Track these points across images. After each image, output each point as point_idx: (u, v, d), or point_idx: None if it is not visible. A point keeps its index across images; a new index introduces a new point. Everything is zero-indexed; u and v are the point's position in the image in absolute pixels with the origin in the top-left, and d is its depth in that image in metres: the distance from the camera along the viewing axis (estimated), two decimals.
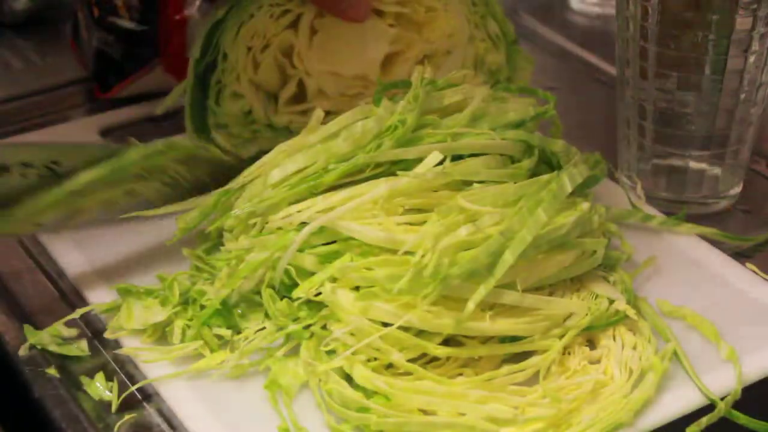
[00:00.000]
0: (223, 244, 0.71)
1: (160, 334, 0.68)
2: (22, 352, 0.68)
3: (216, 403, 0.63)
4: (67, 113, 0.96)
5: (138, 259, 0.75)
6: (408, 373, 0.62)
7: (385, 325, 0.61)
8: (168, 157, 0.70)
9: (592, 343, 0.66)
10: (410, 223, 0.65)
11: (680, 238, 0.76)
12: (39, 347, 0.68)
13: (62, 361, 0.67)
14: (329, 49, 0.81)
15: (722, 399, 0.63)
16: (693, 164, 0.80)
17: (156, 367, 0.65)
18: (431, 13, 0.83)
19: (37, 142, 0.75)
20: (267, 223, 0.68)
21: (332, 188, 0.69)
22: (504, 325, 0.63)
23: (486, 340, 0.64)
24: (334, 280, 0.64)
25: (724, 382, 0.64)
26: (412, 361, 0.62)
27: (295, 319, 0.65)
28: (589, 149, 0.78)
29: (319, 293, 0.64)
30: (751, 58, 0.75)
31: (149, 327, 0.67)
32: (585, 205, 0.68)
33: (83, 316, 0.69)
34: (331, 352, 0.63)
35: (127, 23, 0.92)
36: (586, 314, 0.65)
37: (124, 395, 0.64)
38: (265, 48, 0.79)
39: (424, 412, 0.60)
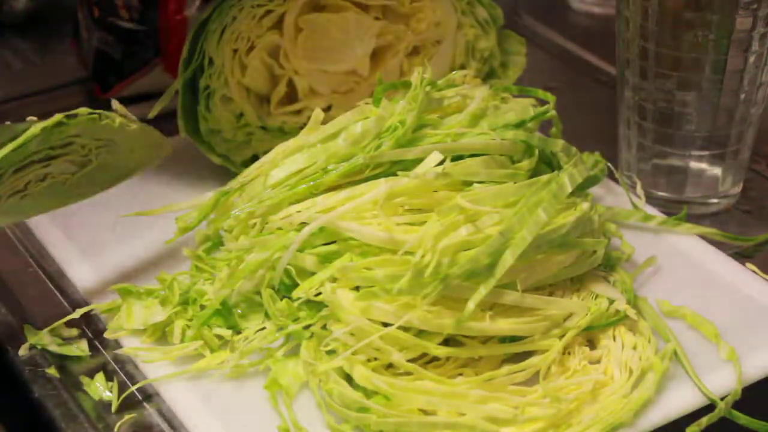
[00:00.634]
0: (223, 244, 0.72)
1: (160, 334, 0.68)
2: (22, 352, 0.68)
3: (216, 403, 0.63)
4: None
5: (138, 259, 0.75)
6: (408, 373, 0.62)
7: (385, 325, 0.61)
8: (71, 129, 0.67)
9: (592, 343, 0.66)
10: (410, 223, 0.65)
11: (680, 238, 0.76)
12: (39, 347, 0.68)
13: (62, 361, 0.67)
14: (316, 46, 0.81)
15: (722, 399, 0.63)
16: (693, 164, 0.80)
17: (156, 367, 0.65)
18: (417, 3, 0.82)
19: None
20: (267, 223, 0.68)
21: (332, 188, 0.68)
22: (504, 325, 0.63)
23: (486, 340, 0.64)
24: (334, 280, 0.64)
25: (724, 382, 0.64)
26: (411, 361, 0.62)
27: (295, 319, 0.65)
28: (589, 149, 0.78)
29: (319, 293, 0.64)
30: (751, 58, 0.75)
31: (149, 327, 0.67)
32: (585, 205, 0.67)
33: (83, 316, 0.69)
34: (331, 352, 0.63)
35: (127, 23, 0.92)
36: (586, 314, 0.65)
37: (124, 395, 0.64)
38: (251, 50, 0.79)
39: (424, 412, 0.60)
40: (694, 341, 0.67)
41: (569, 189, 0.66)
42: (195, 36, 0.78)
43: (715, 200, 0.81)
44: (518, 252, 0.62)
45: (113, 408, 0.64)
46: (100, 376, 0.66)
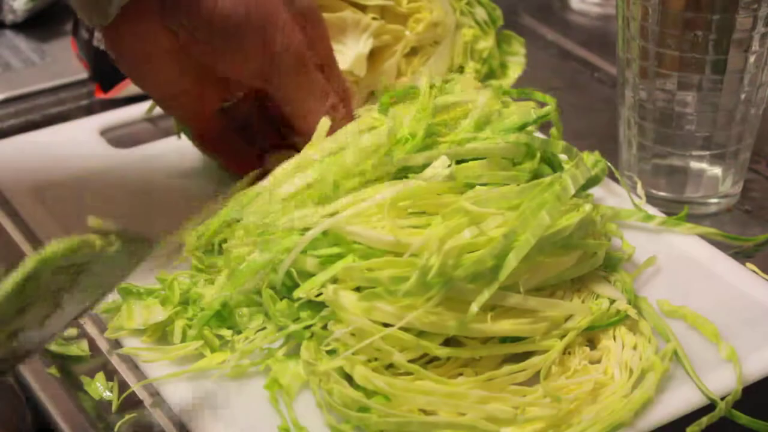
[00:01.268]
0: (219, 246, 0.71)
1: (161, 334, 0.67)
2: None
3: (216, 403, 0.63)
4: (67, 113, 0.96)
5: None
6: (408, 373, 0.62)
7: (386, 325, 0.61)
8: (45, 276, 0.53)
9: (592, 343, 0.66)
10: (414, 226, 0.65)
11: (680, 238, 0.76)
12: None
13: (62, 361, 0.67)
14: None
15: (722, 399, 0.63)
16: (693, 164, 0.80)
17: (156, 367, 0.65)
18: (414, 4, 0.82)
19: None
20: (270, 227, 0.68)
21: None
22: (505, 326, 0.63)
23: (486, 340, 0.64)
24: (335, 281, 0.64)
25: (724, 382, 0.64)
26: (412, 361, 0.62)
27: (296, 320, 0.65)
28: (589, 149, 0.78)
29: (320, 294, 0.64)
30: (751, 58, 0.75)
31: (149, 327, 0.67)
32: (587, 207, 0.67)
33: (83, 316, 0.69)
34: (332, 352, 0.63)
35: None
36: (587, 315, 0.65)
37: (124, 395, 0.64)
38: None
39: (425, 412, 0.60)
40: (695, 341, 0.67)
41: (572, 191, 0.66)
42: None
43: (715, 200, 0.81)
44: (522, 254, 0.62)
45: (113, 408, 0.64)
46: (100, 376, 0.66)
